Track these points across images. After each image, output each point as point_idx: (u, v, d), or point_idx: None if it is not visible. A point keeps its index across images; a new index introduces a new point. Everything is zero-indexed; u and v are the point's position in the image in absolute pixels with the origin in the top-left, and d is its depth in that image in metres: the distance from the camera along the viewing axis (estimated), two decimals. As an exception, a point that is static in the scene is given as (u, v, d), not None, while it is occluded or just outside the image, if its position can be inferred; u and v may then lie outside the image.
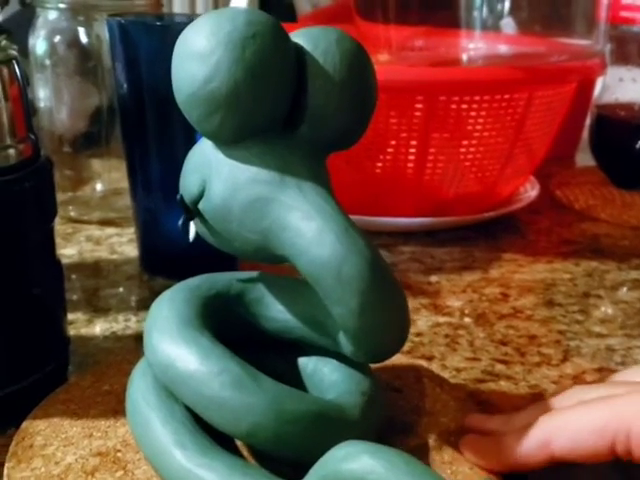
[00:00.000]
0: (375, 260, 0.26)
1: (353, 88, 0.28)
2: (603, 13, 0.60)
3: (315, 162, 0.28)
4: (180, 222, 0.30)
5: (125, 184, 0.51)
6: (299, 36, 0.28)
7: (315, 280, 0.27)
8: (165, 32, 0.46)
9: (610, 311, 0.47)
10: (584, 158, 0.80)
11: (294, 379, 0.32)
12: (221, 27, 0.26)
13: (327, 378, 0.31)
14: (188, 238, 0.30)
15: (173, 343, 0.27)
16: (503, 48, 0.63)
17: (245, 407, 0.26)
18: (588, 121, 0.75)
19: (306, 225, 0.26)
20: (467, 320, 0.44)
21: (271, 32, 0.26)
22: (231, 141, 0.28)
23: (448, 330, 0.43)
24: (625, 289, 0.50)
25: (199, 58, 0.26)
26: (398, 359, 0.37)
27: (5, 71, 0.31)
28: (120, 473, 0.28)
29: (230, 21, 0.26)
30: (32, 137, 0.33)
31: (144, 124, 0.46)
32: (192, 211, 0.29)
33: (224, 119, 0.26)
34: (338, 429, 0.27)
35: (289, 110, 0.28)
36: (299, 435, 0.26)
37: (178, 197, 0.30)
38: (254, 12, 0.27)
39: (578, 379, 0.39)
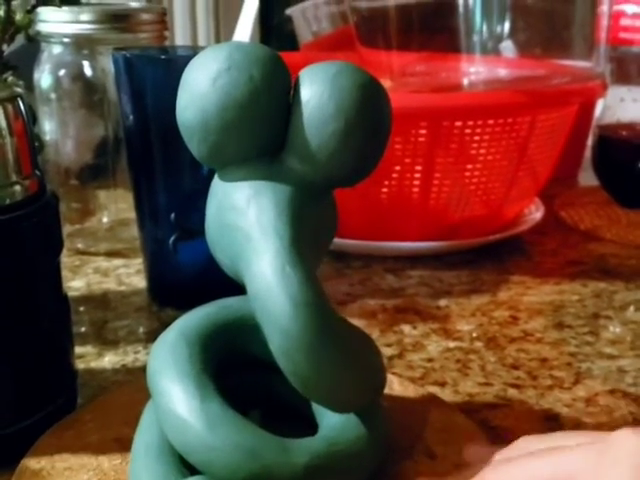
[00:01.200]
0: (307, 302, 0.25)
1: (350, 128, 0.27)
2: (603, 35, 0.61)
3: (299, 195, 0.28)
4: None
5: (131, 214, 0.51)
6: (303, 72, 0.28)
7: (255, 314, 0.27)
8: (169, 65, 0.47)
9: (620, 332, 0.47)
10: (586, 177, 0.80)
11: (311, 413, 0.31)
12: (203, 59, 0.27)
13: (330, 418, 0.30)
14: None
15: (160, 356, 0.28)
16: (504, 72, 0.64)
17: (181, 424, 0.26)
18: (590, 141, 0.76)
19: (254, 257, 0.26)
20: (478, 344, 0.44)
21: (250, 65, 0.27)
22: (215, 166, 0.29)
23: (459, 355, 0.43)
24: (634, 309, 0.50)
25: (183, 88, 0.28)
26: (452, 413, 0.35)
27: (10, 109, 0.31)
28: (117, 461, 0.31)
29: (213, 53, 0.27)
30: (38, 173, 0.33)
31: (150, 154, 0.47)
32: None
33: (198, 146, 0.28)
34: (270, 472, 0.26)
35: (280, 142, 0.28)
36: (224, 466, 0.26)
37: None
38: (244, 45, 0.27)
39: (591, 402, 0.38)
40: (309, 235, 0.28)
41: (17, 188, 0.31)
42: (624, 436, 0.22)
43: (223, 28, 1.08)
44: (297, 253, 0.26)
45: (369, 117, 0.28)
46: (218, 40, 1.09)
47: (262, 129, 0.27)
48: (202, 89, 0.27)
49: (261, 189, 0.27)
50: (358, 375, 0.28)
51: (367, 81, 0.28)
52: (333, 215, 0.31)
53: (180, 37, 1.08)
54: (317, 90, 0.27)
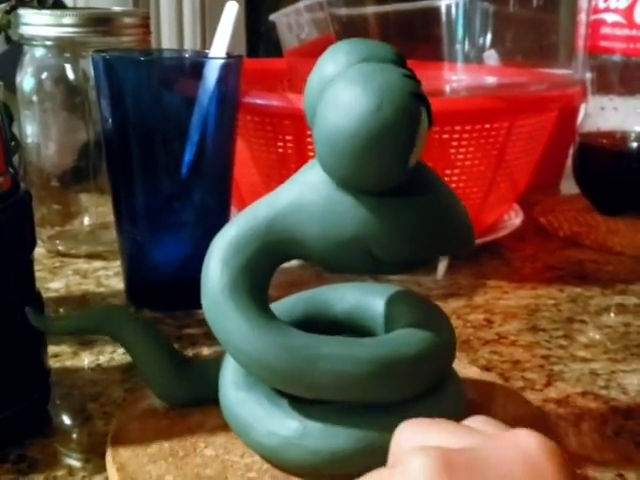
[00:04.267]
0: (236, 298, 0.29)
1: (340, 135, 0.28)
2: (581, 43, 0.61)
3: (313, 191, 0.30)
4: None
5: (112, 217, 0.51)
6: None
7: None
8: (150, 67, 0.47)
9: (594, 336, 0.47)
10: (568, 186, 0.80)
11: None
12: None
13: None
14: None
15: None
16: (485, 79, 0.64)
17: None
18: (572, 149, 0.76)
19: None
20: (451, 346, 0.45)
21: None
22: None
23: (432, 357, 0.43)
24: (609, 314, 0.50)
25: None
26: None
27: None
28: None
29: None
30: (11, 171, 0.33)
31: (129, 157, 0.47)
32: None
33: None
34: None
35: None
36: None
37: None
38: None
39: (562, 403, 0.39)
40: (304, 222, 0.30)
41: (-10, 185, 0.32)
42: (414, 458, 0.20)
43: (209, 32, 1.10)
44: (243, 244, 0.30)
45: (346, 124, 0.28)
46: (204, 44, 1.12)
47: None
48: None
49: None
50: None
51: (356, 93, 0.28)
52: (380, 227, 0.30)
53: (167, 41, 1.11)
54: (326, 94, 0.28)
